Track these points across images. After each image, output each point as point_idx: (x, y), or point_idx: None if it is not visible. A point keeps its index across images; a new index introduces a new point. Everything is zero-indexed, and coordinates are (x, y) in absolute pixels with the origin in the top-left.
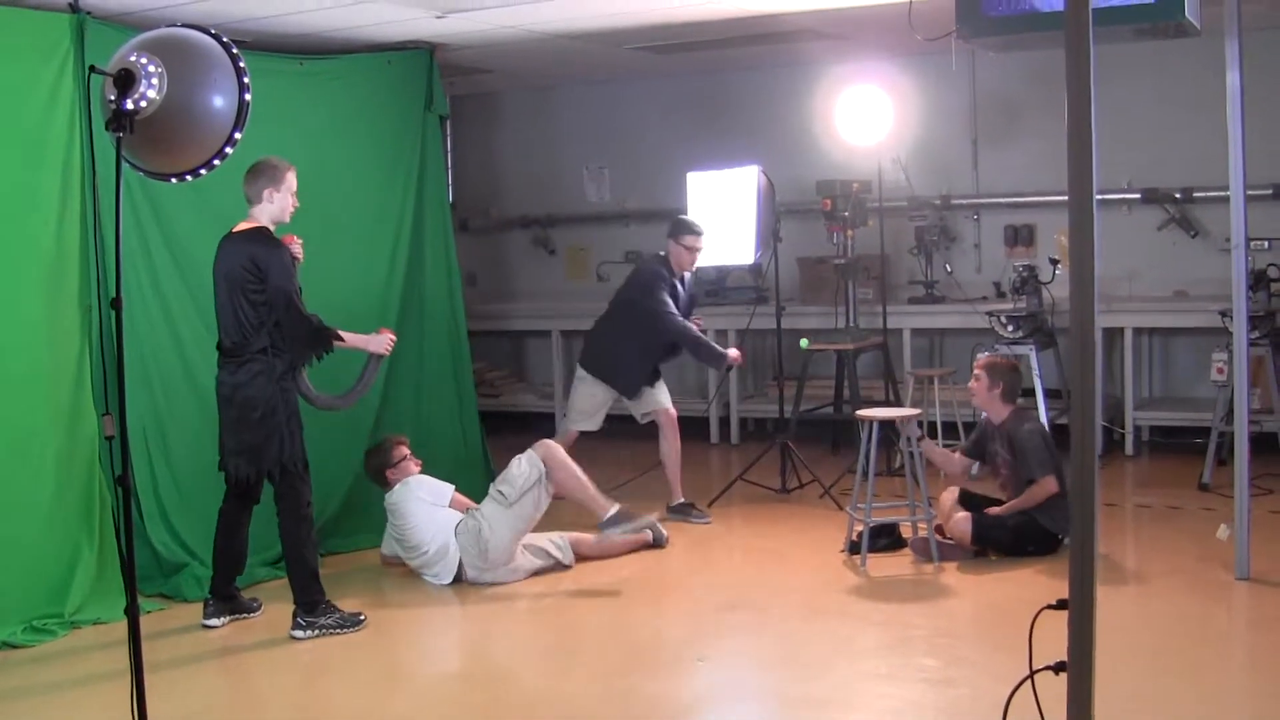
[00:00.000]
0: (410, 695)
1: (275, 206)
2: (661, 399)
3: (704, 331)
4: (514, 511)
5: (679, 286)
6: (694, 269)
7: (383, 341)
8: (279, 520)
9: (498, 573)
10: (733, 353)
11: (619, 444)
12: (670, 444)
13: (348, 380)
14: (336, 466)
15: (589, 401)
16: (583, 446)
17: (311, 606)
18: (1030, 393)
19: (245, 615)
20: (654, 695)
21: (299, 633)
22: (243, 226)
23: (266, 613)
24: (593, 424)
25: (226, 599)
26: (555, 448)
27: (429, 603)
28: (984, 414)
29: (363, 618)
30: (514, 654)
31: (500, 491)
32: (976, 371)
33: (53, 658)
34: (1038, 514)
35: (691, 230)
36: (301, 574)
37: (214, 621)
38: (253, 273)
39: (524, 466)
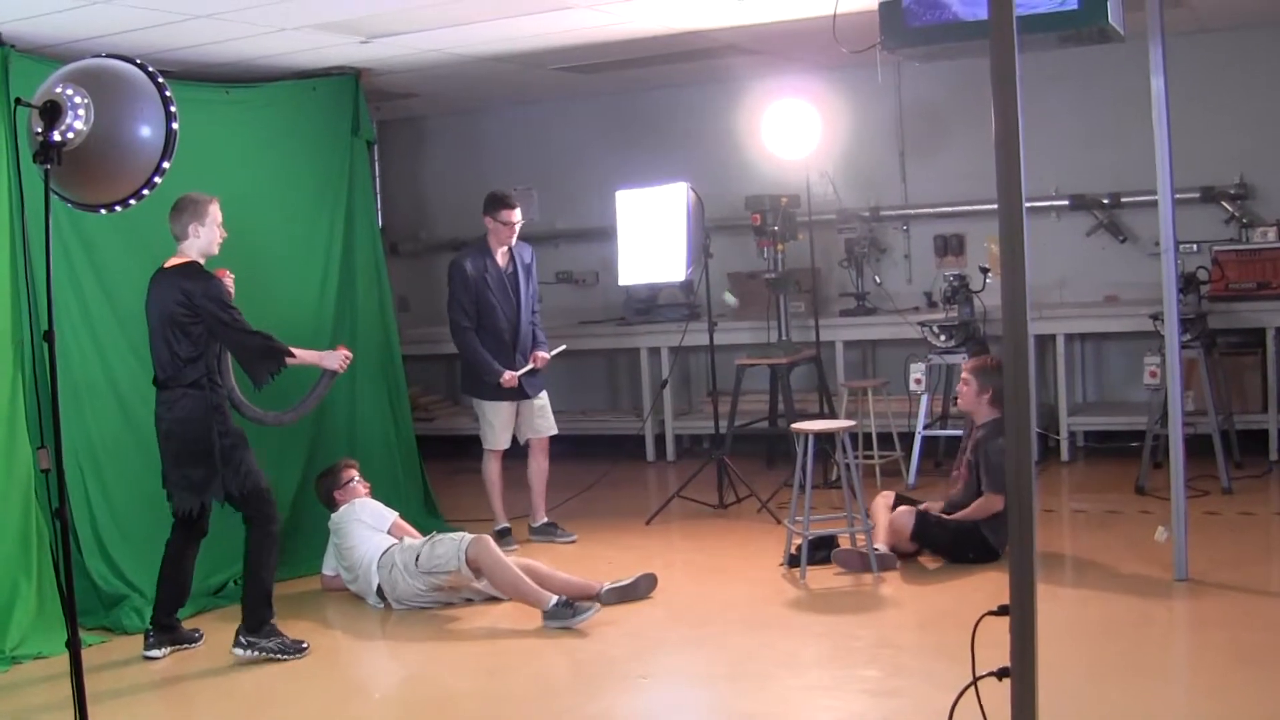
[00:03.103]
0: None
1: (203, 240)
2: (538, 423)
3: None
4: (419, 578)
5: (503, 266)
6: (513, 242)
7: (338, 358)
8: (247, 538)
9: (415, 603)
10: (507, 375)
11: (553, 464)
12: (539, 464)
13: (293, 398)
14: (274, 493)
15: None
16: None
17: (257, 626)
18: None
19: (187, 646)
20: (597, 714)
21: (240, 651)
22: (173, 262)
23: (207, 642)
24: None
25: (167, 630)
26: (488, 548)
27: (369, 628)
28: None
29: (305, 646)
30: (456, 678)
31: (420, 553)
32: (965, 375)
33: None
34: (981, 525)
35: (505, 204)
36: (256, 592)
37: (155, 653)
38: (186, 306)
39: (448, 551)
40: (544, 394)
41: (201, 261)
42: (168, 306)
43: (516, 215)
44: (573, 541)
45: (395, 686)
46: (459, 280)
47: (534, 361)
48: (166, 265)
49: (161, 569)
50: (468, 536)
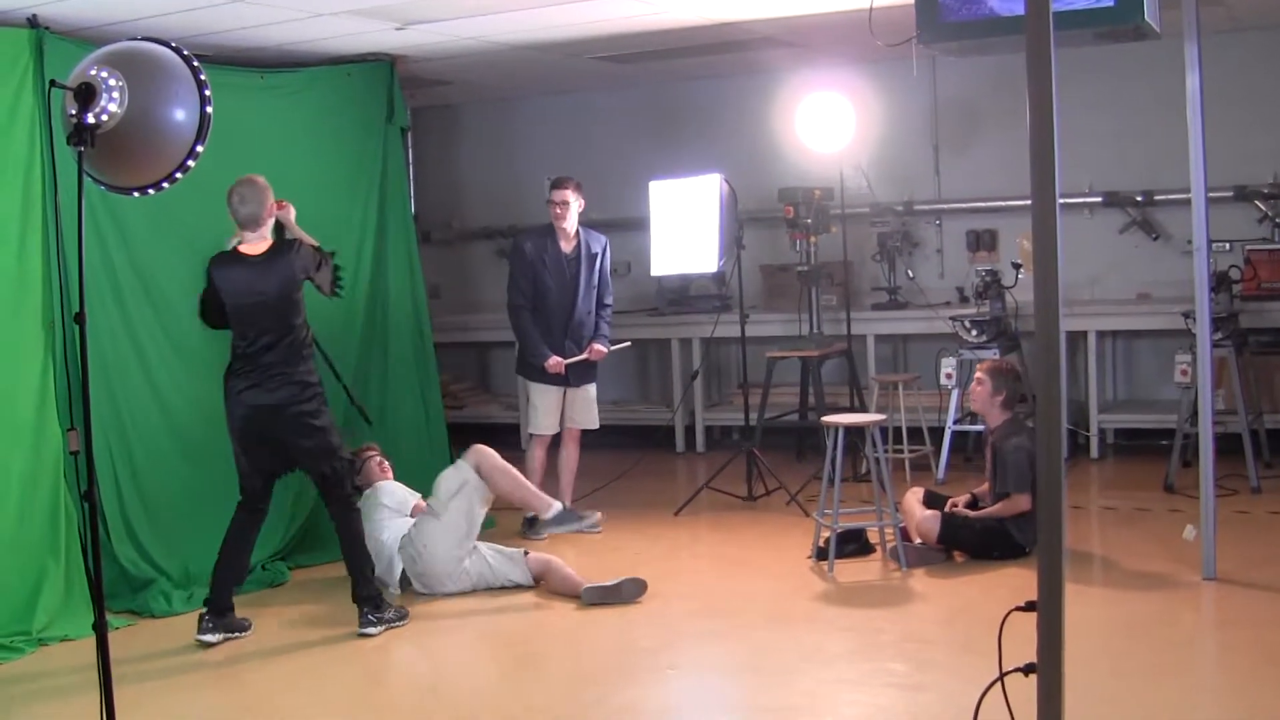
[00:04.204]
0: (378, 711)
1: (273, 221)
2: (579, 415)
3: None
4: (444, 523)
5: (566, 251)
6: (565, 223)
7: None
8: (340, 522)
9: (442, 584)
10: (552, 360)
11: (583, 453)
12: (569, 453)
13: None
14: (300, 481)
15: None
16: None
17: (378, 601)
18: (1024, 399)
19: (238, 635)
20: (623, 705)
21: (373, 629)
22: (259, 249)
23: (261, 631)
24: (550, 425)
25: (222, 614)
26: (487, 453)
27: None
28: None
29: (407, 612)
30: (483, 666)
31: (430, 505)
32: (979, 375)
33: (20, 676)
34: (1008, 522)
35: (553, 184)
36: (369, 569)
37: (210, 638)
38: (297, 281)
39: (447, 475)
40: (592, 387)
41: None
42: (286, 284)
43: (561, 195)
44: (598, 531)
45: (422, 674)
46: (517, 260)
47: (589, 353)
48: (250, 252)
49: (221, 551)
50: (460, 459)
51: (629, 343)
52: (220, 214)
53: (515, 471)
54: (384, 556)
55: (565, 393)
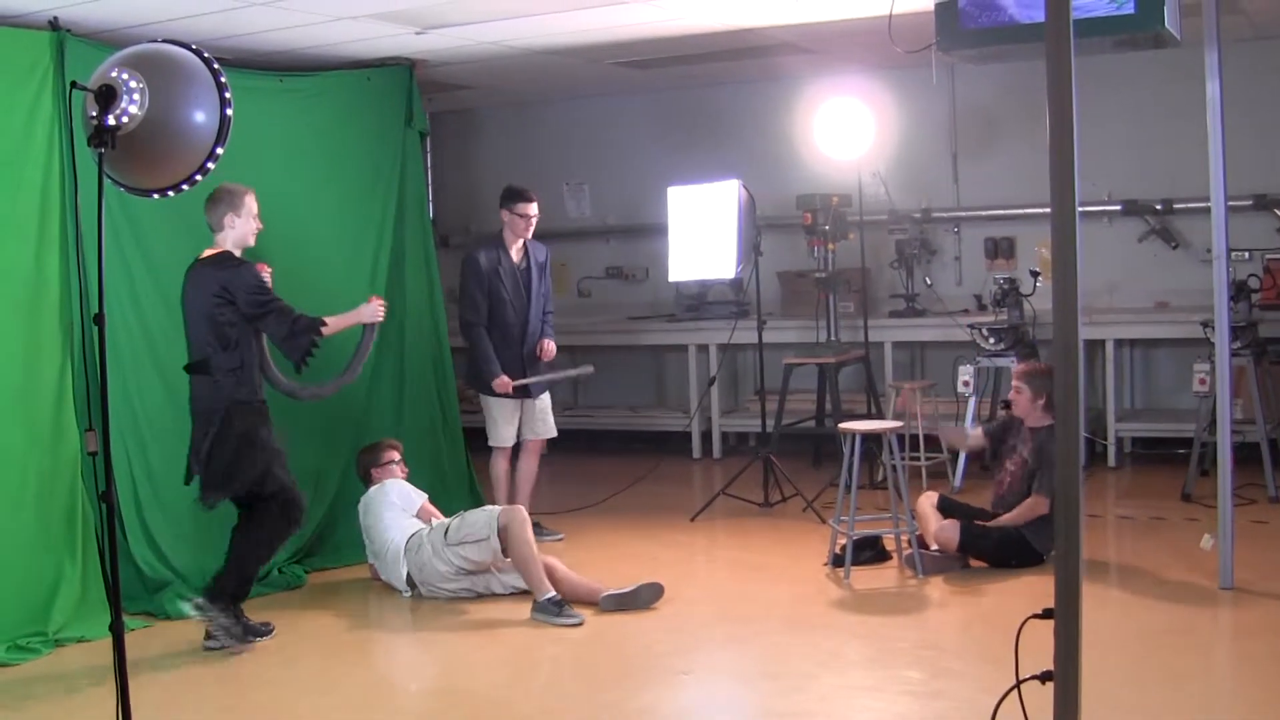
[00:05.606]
0: (391, 713)
1: (238, 231)
2: (538, 425)
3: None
4: (450, 551)
5: (517, 262)
6: (527, 237)
7: (373, 310)
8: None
9: (444, 592)
10: (502, 379)
11: (600, 459)
12: (528, 465)
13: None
14: (319, 481)
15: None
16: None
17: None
18: None
19: (258, 639)
20: (639, 709)
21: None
22: (208, 253)
23: (276, 634)
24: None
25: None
26: (518, 521)
27: (407, 620)
28: (1013, 413)
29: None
30: (497, 670)
31: (449, 526)
32: (1016, 384)
33: (37, 676)
34: (1025, 530)
35: (523, 197)
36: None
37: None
38: (220, 296)
39: (479, 520)
40: (546, 396)
41: (237, 253)
42: (204, 298)
43: (533, 209)
44: (560, 539)
45: (434, 678)
46: (472, 273)
47: (541, 351)
48: (202, 257)
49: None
50: (501, 507)
51: (590, 368)
52: None
53: (534, 549)
54: (391, 554)
55: (523, 404)
